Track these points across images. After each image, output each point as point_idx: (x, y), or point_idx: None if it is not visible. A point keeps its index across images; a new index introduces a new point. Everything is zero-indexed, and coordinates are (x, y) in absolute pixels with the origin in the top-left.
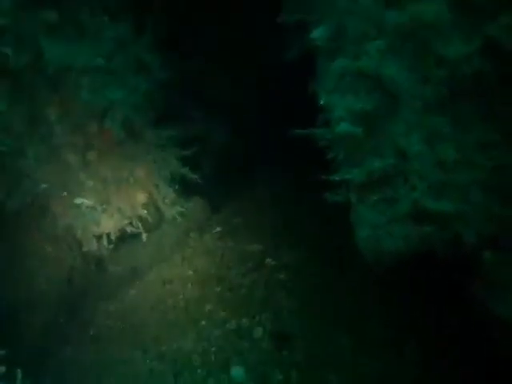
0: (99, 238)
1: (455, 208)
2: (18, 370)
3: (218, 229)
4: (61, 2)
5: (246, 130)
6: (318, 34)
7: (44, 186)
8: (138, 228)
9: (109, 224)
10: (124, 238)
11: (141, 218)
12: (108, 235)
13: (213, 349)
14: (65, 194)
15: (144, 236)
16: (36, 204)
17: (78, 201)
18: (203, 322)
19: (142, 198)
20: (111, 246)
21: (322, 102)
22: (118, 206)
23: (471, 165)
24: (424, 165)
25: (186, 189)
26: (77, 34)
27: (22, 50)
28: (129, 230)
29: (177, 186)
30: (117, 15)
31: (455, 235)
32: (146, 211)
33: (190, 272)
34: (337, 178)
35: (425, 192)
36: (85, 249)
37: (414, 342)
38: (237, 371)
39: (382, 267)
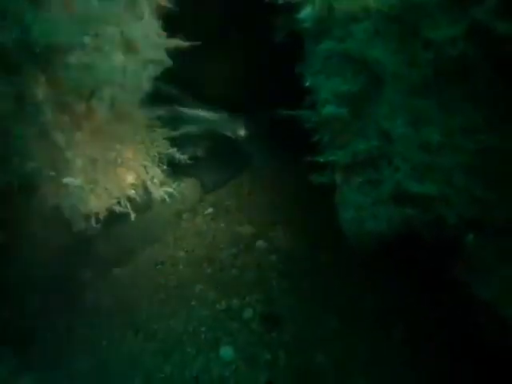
0: (87, 217)
1: (438, 190)
2: (6, 349)
3: (210, 210)
4: None
5: (234, 111)
6: (304, 14)
7: (32, 165)
8: (127, 208)
9: (97, 204)
10: (114, 219)
11: (129, 198)
12: (96, 215)
13: (202, 329)
14: (53, 173)
15: (133, 216)
16: (24, 183)
17: (66, 180)
18: (193, 302)
19: (129, 178)
20: (100, 226)
21: (307, 84)
22: (105, 185)
23: (455, 148)
24: (408, 147)
25: (176, 170)
26: (64, 10)
27: (7, 27)
28: (117, 209)
29: (165, 167)
30: None
31: (438, 217)
32: (134, 191)
33: (182, 253)
34: (322, 160)
35: (408, 174)
36: (74, 229)
37: (402, 325)
38: (226, 351)
39: (366, 249)
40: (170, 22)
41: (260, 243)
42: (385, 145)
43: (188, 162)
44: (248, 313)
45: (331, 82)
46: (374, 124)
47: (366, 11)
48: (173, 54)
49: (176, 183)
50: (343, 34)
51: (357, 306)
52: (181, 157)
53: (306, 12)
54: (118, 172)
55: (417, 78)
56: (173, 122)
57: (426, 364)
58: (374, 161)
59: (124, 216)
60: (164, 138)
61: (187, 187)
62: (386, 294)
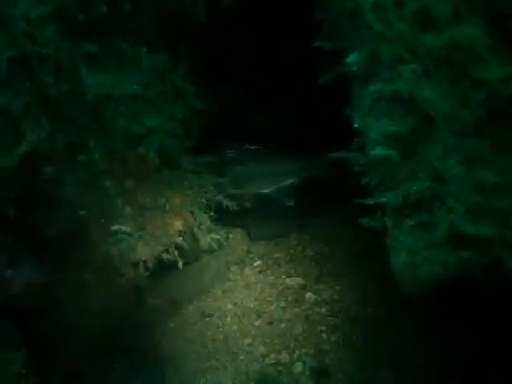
0: (136, 265)
1: (494, 232)
2: None
3: (259, 262)
4: (101, 33)
5: (284, 156)
6: (352, 58)
7: (82, 212)
8: (175, 256)
9: (145, 251)
10: (163, 270)
11: (177, 246)
12: (145, 262)
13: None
14: (102, 220)
15: (180, 264)
16: (74, 231)
17: (115, 227)
18: (242, 356)
19: (177, 224)
20: (148, 274)
21: (356, 126)
22: (153, 232)
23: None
24: (462, 188)
25: (224, 219)
26: (116, 63)
27: (62, 79)
28: (165, 257)
29: (212, 213)
30: (155, 45)
31: (496, 260)
32: (181, 238)
33: (230, 305)
34: (371, 202)
35: (462, 215)
36: (123, 278)
37: (459, 379)
38: None
39: (420, 295)
40: (219, 73)
41: (309, 295)
42: (437, 186)
43: (236, 208)
44: (298, 367)
45: (380, 124)
46: (425, 165)
47: (414, 53)
48: (222, 102)
49: (224, 233)
50: (391, 75)
51: (411, 359)
52: (229, 204)
53: (353, 56)
54: (165, 218)
55: (469, 118)
56: (221, 169)
57: None
58: (425, 202)
59: (172, 266)
60: (212, 185)
61: (235, 238)
62: (441, 346)
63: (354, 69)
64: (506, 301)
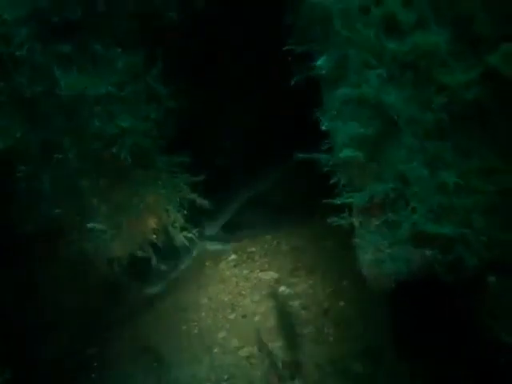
0: (111, 262)
1: (456, 231)
2: None
3: (234, 256)
4: (75, 34)
5: (256, 157)
6: (321, 62)
7: (58, 210)
8: (149, 253)
9: (119, 248)
10: (137, 264)
11: (151, 243)
12: (119, 259)
13: (225, 376)
14: (78, 218)
15: (154, 260)
16: (50, 229)
17: (90, 225)
18: (216, 349)
19: (151, 223)
20: (123, 271)
21: (324, 128)
22: (128, 230)
23: (473, 189)
24: (425, 189)
25: (199, 216)
26: (90, 64)
27: (36, 80)
28: (139, 254)
29: (186, 212)
30: (129, 47)
31: (457, 259)
32: (155, 236)
33: (205, 299)
34: (339, 202)
35: (425, 215)
36: (98, 274)
37: (426, 370)
38: None
39: (386, 291)
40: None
41: (282, 289)
42: (401, 187)
43: (209, 207)
44: (271, 360)
45: (348, 126)
46: (390, 167)
47: (380, 58)
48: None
49: (197, 231)
50: (358, 79)
51: (382, 352)
52: (203, 202)
53: (322, 60)
54: (140, 217)
55: (432, 122)
56: (195, 168)
57: None
58: (390, 202)
59: (148, 261)
60: (186, 184)
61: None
62: (411, 339)
63: (323, 72)
64: (467, 296)
